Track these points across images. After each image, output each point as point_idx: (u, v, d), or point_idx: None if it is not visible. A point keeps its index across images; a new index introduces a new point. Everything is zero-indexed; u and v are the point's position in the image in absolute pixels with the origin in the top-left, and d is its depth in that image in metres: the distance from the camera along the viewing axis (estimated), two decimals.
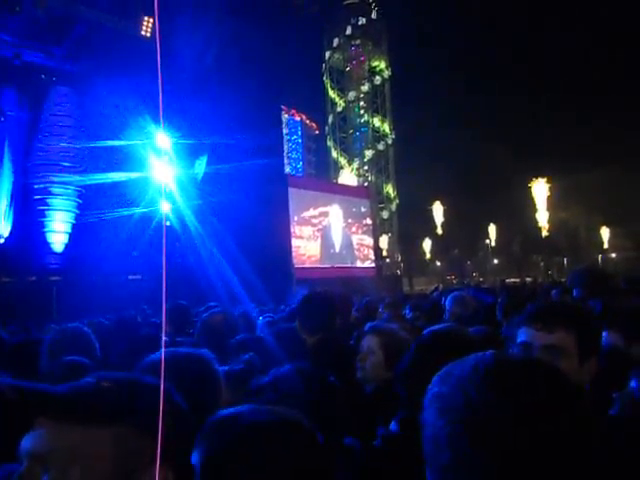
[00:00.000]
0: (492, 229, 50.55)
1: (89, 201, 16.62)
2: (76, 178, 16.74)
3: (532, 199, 35.99)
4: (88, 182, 15.98)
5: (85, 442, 0.79)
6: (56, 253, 16.93)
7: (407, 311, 5.21)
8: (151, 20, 17.18)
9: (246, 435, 0.97)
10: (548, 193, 35.62)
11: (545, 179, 35.82)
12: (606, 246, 50.73)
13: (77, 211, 17.26)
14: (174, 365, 1.37)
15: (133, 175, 15.40)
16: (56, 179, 16.87)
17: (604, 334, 2.08)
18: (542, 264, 50.60)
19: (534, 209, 35.92)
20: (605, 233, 50.32)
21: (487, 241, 52.48)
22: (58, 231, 17.07)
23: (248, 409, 1.04)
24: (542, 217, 35.54)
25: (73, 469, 0.78)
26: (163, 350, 1.54)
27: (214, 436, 0.98)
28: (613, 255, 52.45)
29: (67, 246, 17.11)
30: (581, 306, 2.49)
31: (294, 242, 23.28)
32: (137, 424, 0.83)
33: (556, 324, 1.61)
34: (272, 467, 0.94)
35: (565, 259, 48.85)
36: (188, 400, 0.95)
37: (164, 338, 2.48)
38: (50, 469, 0.78)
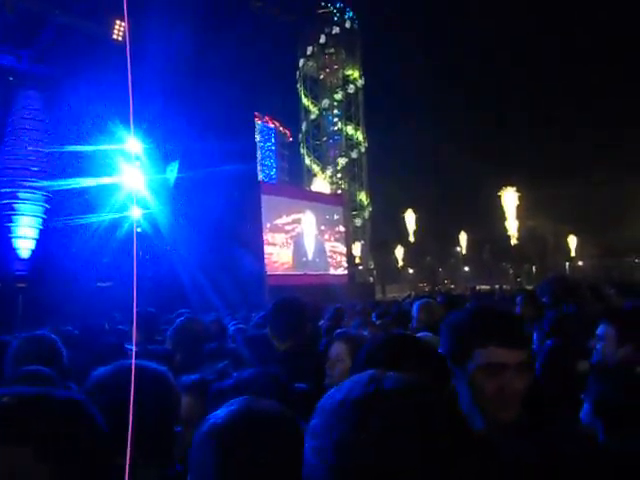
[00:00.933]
0: (463, 237, 51.25)
1: (57, 206, 16.30)
2: (44, 183, 16.41)
3: (502, 208, 36.65)
4: (57, 187, 15.68)
5: None
6: (22, 259, 16.55)
7: (374, 317, 5.23)
8: (123, 24, 16.99)
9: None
10: (517, 202, 36.34)
11: (514, 188, 36.53)
12: (573, 254, 51.85)
13: (45, 216, 16.91)
14: (124, 379, 1.34)
15: (103, 180, 15.17)
16: (23, 184, 16.52)
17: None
18: (511, 272, 51.44)
19: (504, 218, 36.58)
20: (572, 241, 51.44)
21: (458, 249, 53.18)
22: (25, 237, 16.69)
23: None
24: (511, 226, 36.21)
25: None
26: (133, 359, 1.51)
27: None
28: (580, 263, 53.64)
29: (34, 252, 16.73)
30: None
31: (267, 249, 23.22)
32: (33, 446, 0.75)
33: (524, 339, 1.53)
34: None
35: (534, 267, 49.81)
36: (137, 415, 0.91)
37: (133, 348, 2.45)
38: None
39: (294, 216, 25.61)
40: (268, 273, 22.26)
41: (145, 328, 3.65)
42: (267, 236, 23.53)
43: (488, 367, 1.42)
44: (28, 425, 0.77)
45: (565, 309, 3.04)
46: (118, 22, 17.07)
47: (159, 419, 1.22)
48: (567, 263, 50.84)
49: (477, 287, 27.33)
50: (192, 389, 1.88)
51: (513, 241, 36.54)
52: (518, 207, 36.27)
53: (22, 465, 0.74)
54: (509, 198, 36.30)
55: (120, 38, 17.10)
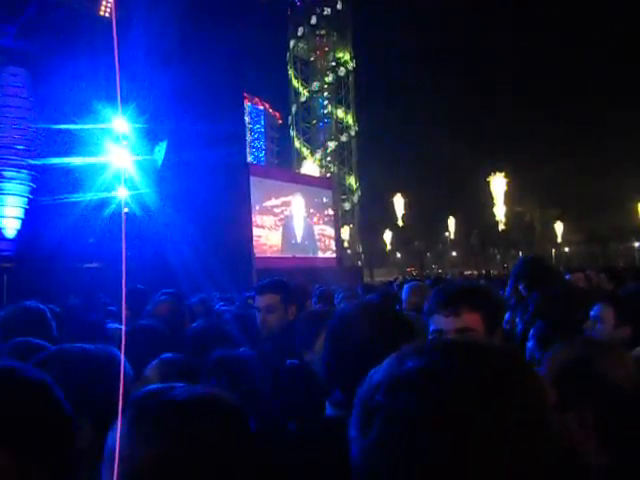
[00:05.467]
0: (451, 222, 51.51)
1: (43, 186, 16.07)
2: (30, 162, 16.18)
3: (490, 193, 36.79)
4: (42, 165, 15.46)
5: None
6: (8, 239, 16.36)
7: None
8: (110, 1, 16.68)
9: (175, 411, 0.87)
10: (505, 188, 36.47)
11: (503, 173, 36.64)
12: (560, 240, 52.31)
13: (30, 196, 16.69)
14: (71, 360, 1.31)
15: (90, 160, 14.97)
16: (9, 162, 16.27)
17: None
18: (499, 257, 51.85)
19: (492, 203, 36.74)
20: (559, 228, 51.87)
21: (446, 234, 53.45)
22: (10, 216, 16.48)
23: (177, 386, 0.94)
24: (499, 211, 36.39)
25: None
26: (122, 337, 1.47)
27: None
28: (566, 249, 54.15)
29: (20, 232, 16.54)
30: (481, 285, 2.63)
31: (255, 231, 23.14)
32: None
33: (462, 307, 1.68)
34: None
35: (520, 252, 50.19)
36: (83, 397, 0.87)
37: (123, 327, 2.41)
38: None
39: (283, 199, 25.52)
40: (257, 255, 22.22)
41: (134, 306, 3.62)
42: (256, 218, 23.44)
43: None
44: None
45: (548, 291, 3.03)
46: None
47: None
48: (553, 249, 51.30)
49: (464, 272, 27.52)
50: (175, 366, 1.87)
51: (501, 227, 36.75)
52: (506, 193, 36.43)
53: None
54: (498, 184, 36.43)
55: (107, 14, 16.80)
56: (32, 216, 16.42)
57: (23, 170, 16.48)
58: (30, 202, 16.67)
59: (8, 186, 16.43)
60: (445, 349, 0.67)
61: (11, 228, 16.47)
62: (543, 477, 0.60)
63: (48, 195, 14.99)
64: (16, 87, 16.72)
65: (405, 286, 4.41)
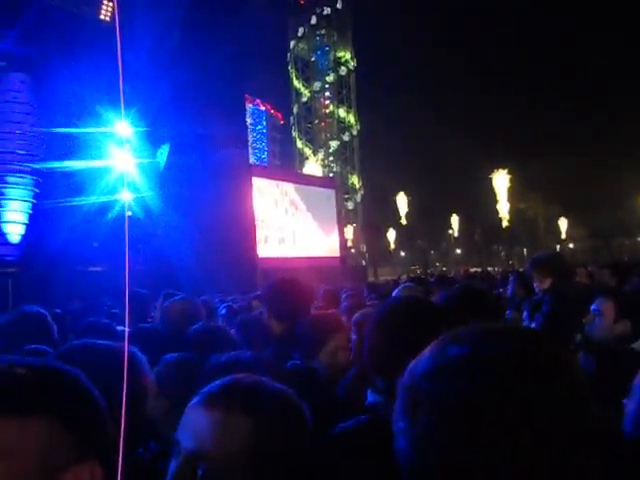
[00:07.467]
0: (455, 220, 51.37)
1: (47, 190, 16.13)
2: (33, 166, 16.23)
3: (493, 190, 36.70)
4: (45, 170, 15.50)
5: (7, 432, 0.70)
6: (12, 244, 16.41)
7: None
8: (110, 4, 16.71)
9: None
10: (509, 184, 36.37)
11: (506, 170, 36.54)
12: (564, 236, 52.14)
13: (34, 200, 16.73)
14: (88, 356, 1.32)
15: (93, 163, 15.01)
16: (12, 167, 16.31)
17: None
18: (503, 254, 51.74)
19: (495, 200, 36.66)
20: (563, 223, 51.69)
21: (450, 231, 53.34)
22: (14, 221, 16.52)
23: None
24: (503, 208, 36.29)
25: None
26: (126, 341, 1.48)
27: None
28: (571, 245, 54.00)
29: (24, 237, 16.59)
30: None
31: (258, 232, 23.16)
32: (59, 416, 0.75)
33: None
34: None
35: (525, 249, 50.07)
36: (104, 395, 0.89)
37: (126, 329, 2.41)
38: None
39: (285, 199, 25.53)
40: (260, 256, 22.23)
41: (137, 310, 3.61)
42: (258, 219, 23.45)
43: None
44: (50, 395, 0.77)
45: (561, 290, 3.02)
46: (105, 2, 16.79)
47: (127, 397, 1.20)
48: (558, 245, 51.14)
49: (469, 269, 27.49)
50: (176, 367, 1.87)
51: (505, 223, 36.66)
52: (509, 189, 36.34)
53: (50, 434, 0.73)
54: (500, 181, 36.34)
55: (107, 18, 16.84)
56: (36, 220, 16.46)
57: (26, 175, 16.53)
58: (34, 207, 16.72)
59: (11, 191, 16.48)
60: (486, 335, 0.68)
61: (15, 233, 16.52)
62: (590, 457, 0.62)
63: (51, 199, 15.04)
64: (17, 92, 16.76)
65: (400, 286, 4.46)
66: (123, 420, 0.90)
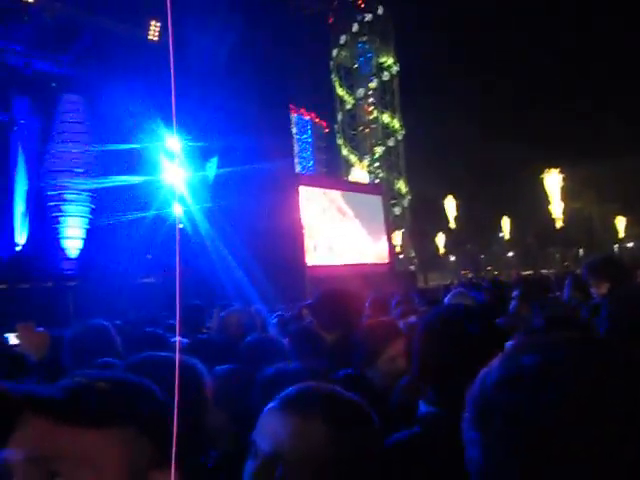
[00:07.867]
0: (506, 222, 50.21)
1: (102, 205, 16.72)
2: (89, 183, 16.85)
3: (545, 191, 35.66)
4: (101, 187, 16.07)
5: (94, 444, 0.75)
6: (71, 259, 17.06)
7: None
8: (158, 24, 17.22)
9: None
10: (562, 184, 35.26)
11: (558, 170, 35.45)
12: (622, 235, 50.11)
13: (90, 216, 17.38)
14: (157, 368, 1.36)
15: (145, 178, 15.48)
16: (69, 185, 17.00)
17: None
18: (558, 256, 50.14)
19: (547, 201, 35.60)
20: (621, 222, 49.70)
21: (501, 234, 52.14)
22: (72, 237, 17.19)
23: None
24: (556, 208, 35.20)
25: (82, 473, 0.74)
26: (177, 351, 1.53)
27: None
28: (630, 244, 51.82)
29: (82, 251, 17.22)
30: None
31: (306, 241, 23.25)
32: (140, 426, 0.80)
33: None
34: None
35: (581, 250, 48.37)
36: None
37: (177, 339, 2.47)
38: (59, 473, 0.73)
39: (333, 207, 25.58)
40: (309, 264, 22.30)
41: (191, 321, 3.70)
42: (306, 228, 23.56)
43: None
44: (131, 407, 0.82)
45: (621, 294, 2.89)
46: (153, 23, 17.31)
47: (191, 408, 1.24)
48: (615, 245, 49.20)
49: (521, 273, 26.79)
50: (228, 378, 1.91)
51: (558, 224, 35.55)
52: (562, 188, 35.22)
53: (134, 444, 0.78)
54: (552, 180, 35.28)
55: (156, 38, 17.35)
56: (93, 235, 17.08)
57: (83, 192, 17.19)
58: (90, 222, 17.35)
59: (69, 208, 17.17)
60: (562, 344, 0.66)
61: (74, 248, 17.17)
62: None
63: (107, 215, 15.57)
64: (73, 113, 17.50)
65: (451, 292, 4.43)
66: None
